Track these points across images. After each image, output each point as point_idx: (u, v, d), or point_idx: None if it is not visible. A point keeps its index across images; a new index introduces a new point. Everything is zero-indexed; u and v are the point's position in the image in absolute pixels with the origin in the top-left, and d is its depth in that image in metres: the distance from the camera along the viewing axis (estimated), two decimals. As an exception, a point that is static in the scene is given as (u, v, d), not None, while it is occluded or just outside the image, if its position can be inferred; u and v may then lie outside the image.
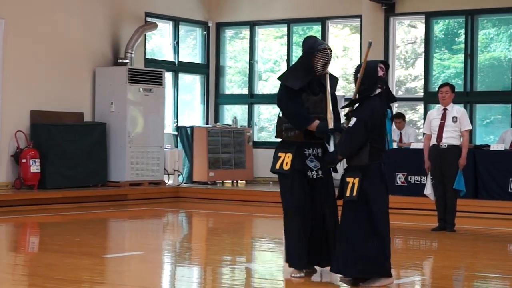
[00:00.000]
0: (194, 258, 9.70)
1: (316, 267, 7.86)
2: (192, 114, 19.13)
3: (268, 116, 19.12)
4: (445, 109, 11.71)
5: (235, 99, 19.27)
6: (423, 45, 17.07)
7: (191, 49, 19.32)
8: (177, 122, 18.29)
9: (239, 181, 17.88)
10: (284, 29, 18.62)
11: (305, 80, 7.66)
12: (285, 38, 18.52)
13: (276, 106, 7.96)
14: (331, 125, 7.63)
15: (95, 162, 15.71)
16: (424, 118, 16.58)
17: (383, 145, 7.50)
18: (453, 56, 16.96)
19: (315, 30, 18.10)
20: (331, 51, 7.70)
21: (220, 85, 19.27)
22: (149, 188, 16.26)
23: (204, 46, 19.15)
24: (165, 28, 18.37)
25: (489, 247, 10.73)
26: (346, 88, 17.81)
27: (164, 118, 17.13)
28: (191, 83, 19.38)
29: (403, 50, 17.73)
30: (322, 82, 7.79)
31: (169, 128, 18.06)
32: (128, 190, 15.85)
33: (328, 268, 7.63)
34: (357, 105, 7.53)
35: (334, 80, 7.89)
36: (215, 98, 19.26)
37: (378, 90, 7.50)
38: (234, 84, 19.55)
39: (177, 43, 18.44)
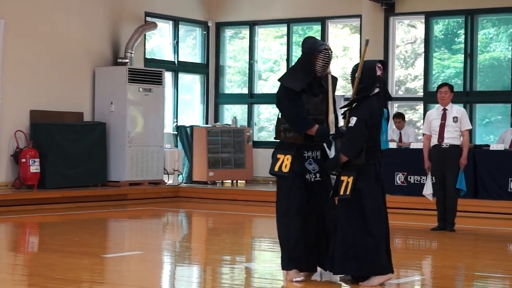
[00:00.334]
0: (193, 258, 9.70)
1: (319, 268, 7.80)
2: (192, 114, 19.13)
3: (268, 116, 19.12)
4: (444, 109, 11.71)
5: (235, 98, 19.27)
6: (423, 45, 17.07)
7: (191, 49, 19.32)
8: (177, 122, 18.29)
9: (238, 181, 17.88)
10: (284, 29, 18.62)
11: (305, 81, 7.56)
12: (285, 38, 18.52)
13: (275, 106, 7.88)
14: (332, 130, 7.58)
15: (95, 162, 15.71)
16: (424, 118, 16.62)
17: (378, 145, 7.51)
18: (453, 56, 16.96)
19: (315, 30, 18.10)
20: (332, 51, 7.63)
21: (220, 85, 19.27)
22: (149, 188, 16.26)
23: (204, 46, 19.15)
24: (165, 28, 18.37)
25: (489, 246, 10.73)
26: (346, 88, 17.81)
27: (164, 118, 17.13)
28: (191, 83, 19.38)
29: (402, 50, 17.73)
30: (322, 82, 7.71)
31: (169, 128, 18.06)
32: (128, 190, 15.85)
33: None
34: (355, 104, 7.51)
35: (334, 80, 7.81)
36: (215, 98, 19.26)
37: (377, 90, 7.50)
38: (234, 84, 19.55)
39: (177, 42, 18.44)
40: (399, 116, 15.60)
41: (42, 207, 14.09)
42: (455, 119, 11.62)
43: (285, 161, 7.61)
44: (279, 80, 7.82)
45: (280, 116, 7.74)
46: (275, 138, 7.87)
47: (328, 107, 7.69)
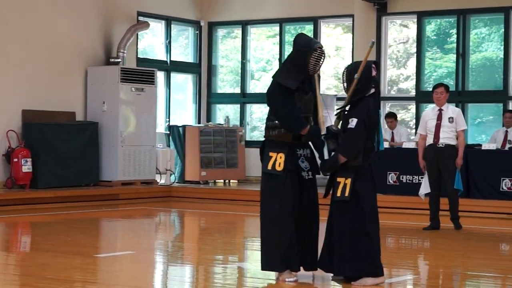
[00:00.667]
0: (186, 257, 9.70)
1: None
2: (184, 114, 19.12)
3: (260, 116, 19.12)
4: (440, 110, 11.71)
5: (227, 98, 19.26)
6: (415, 45, 17.09)
7: (183, 48, 19.31)
8: (169, 121, 18.28)
9: (231, 181, 17.87)
10: (276, 28, 18.63)
11: (298, 79, 7.44)
12: (277, 37, 18.53)
13: (266, 103, 7.75)
14: (323, 130, 7.50)
15: (87, 162, 15.69)
16: (416, 118, 16.66)
17: (373, 145, 7.50)
18: (445, 56, 16.98)
19: (307, 30, 18.11)
20: (324, 50, 7.57)
21: (212, 84, 19.27)
22: (141, 188, 16.25)
23: (196, 45, 19.14)
24: (157, 27, 18.36)
25: (481, 246, 10.75)
26: (338, 87, 17.82)
27: (156, 118, 17.11)
28: (183, 83, 19.37)
29: (395, 49, 17.75)
30: (311, 80, 7.61)
31: (161, 128, 18.05)
32: (120, 189, 15.84)
33: (318, 269, 7.60)
34: (349, 106, 7.50)
35: (318, 78, 7.69)
36: (207, 97, 19.25)
37: (372, 90, 7.50)
38: (226, 83, 19.54)
39: (169, 42, 18.43)
40: (391, 116, 15.62)
41: (34, 207, 14.06)
42: (451, 120, 11.64)
43: (278, 159, 7.50)
44: (273, 77, 7.65)
45: (269, 114, 7.61)
46: (264, 136, 7.81)
47: (316, 106, 7.60)
